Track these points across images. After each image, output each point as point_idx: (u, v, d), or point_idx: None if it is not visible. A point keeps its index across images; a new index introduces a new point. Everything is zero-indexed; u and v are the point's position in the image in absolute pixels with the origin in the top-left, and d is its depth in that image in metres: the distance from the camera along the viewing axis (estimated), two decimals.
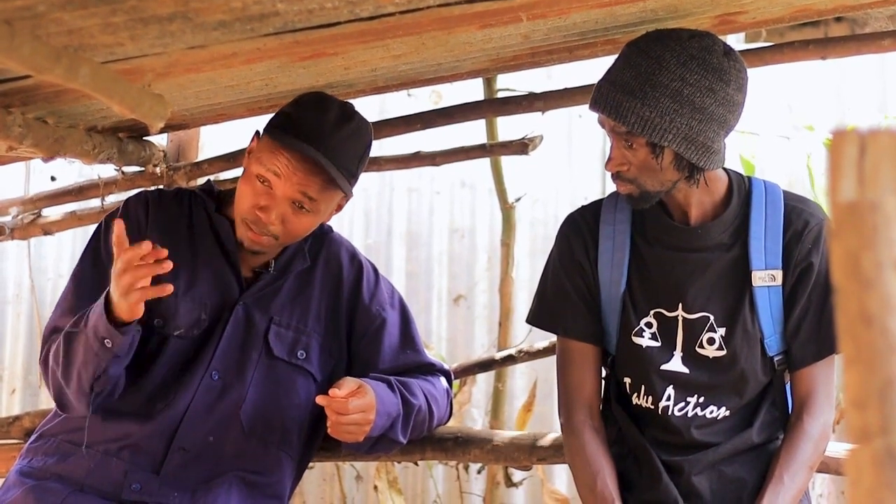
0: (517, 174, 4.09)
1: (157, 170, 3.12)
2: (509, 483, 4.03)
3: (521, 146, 3.18)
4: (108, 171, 3.20)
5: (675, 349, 2.20)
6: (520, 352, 3.38)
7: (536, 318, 2.37)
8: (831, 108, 4.27)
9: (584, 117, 4.43)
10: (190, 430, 2.29)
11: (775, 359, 2.20)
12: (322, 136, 2.22)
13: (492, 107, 3.28)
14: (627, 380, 2.26)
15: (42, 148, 2.31)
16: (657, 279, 2.21)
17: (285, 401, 2.37)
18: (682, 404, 2.19)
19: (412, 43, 2.05)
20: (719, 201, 2.19)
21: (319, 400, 2.16)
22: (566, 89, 3.00)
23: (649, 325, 2.22)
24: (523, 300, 4.34)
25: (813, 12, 2.34)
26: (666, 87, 1.99)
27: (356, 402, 2.16)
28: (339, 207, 2.38)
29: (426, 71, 2.52)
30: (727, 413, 2.20)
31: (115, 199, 3.36)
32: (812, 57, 2.77)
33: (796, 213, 2.19)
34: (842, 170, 0.83)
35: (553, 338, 3.31)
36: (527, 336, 3.92)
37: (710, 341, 2.18)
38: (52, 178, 4.07)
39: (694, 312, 2.19)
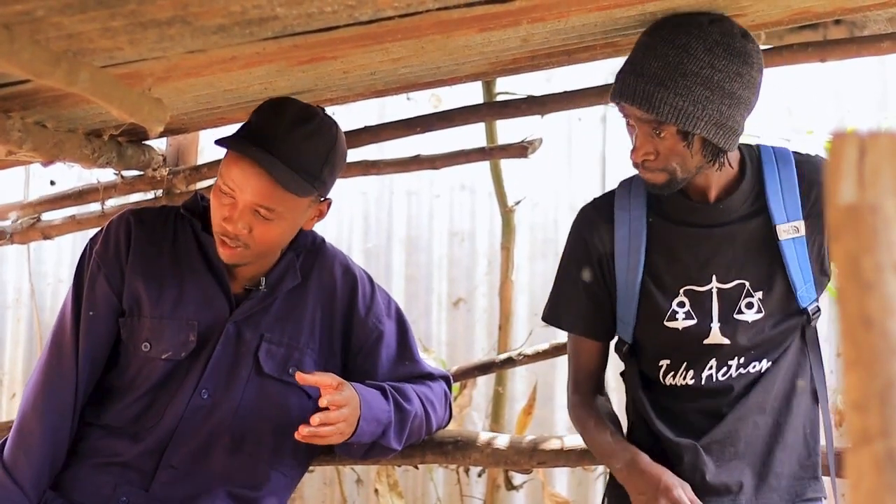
0: (517, 177, 4.09)
1: (157, 174, 3.12)
2: (510, 486, 4.03)
3: (521, 149, 3.19)
4: (107, 175, 3.21)
5: (711, 321, 2.20)
6: (520, 355, 3.38)
7: (547, 315, 2.41)
8: (831, 110, 4.28)
9: (583, 120, 4.43)
10: (179, 448, 2.28)
11: (809, 309, 2.21)
12: (275, 139, 2.16)
13: (491, 110, 3.28)
14: (665, 362, 2.26)
15: (41, 152, 2.31)
16: (685, 257, 2.22)
17: (276, 418, 2.34)
18: (725, 369, 2.21)
19: (411, 46, 2.05)
20: (734, 175, 2.22)
21: (313, 419, 2.14)
22: (565, 92, 3.00)
23: (681, 304, 2.22)
24: (523, 304, 4.35)
25: (812, 15, 2.34)
26: (696, 74, 2.01)
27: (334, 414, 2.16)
28: (321, 213, 2.32)
29: (425, 74, 2.53)
30: (769, 364, 2.22)
31: (115, 203, 3.36)
32: (811, 59, 2.77)
33: (809, 164, 2.23)
34: (841, 172, 0.82)
35: (553, 340, 3.34)
36: (527, 339, 3.92)
37: (749, 306, 2.20)
38: (52, 183, 4.07)
39: (729, 282, 2.20)
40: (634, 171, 2.18)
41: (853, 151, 0.82)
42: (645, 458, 2.19)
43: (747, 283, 2.20)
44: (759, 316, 2.20)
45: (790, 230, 2.19)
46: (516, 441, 2.62)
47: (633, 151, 2.12)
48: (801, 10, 2.26)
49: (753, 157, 2.24)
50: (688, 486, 2.15)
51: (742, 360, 2.21)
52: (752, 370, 2.21)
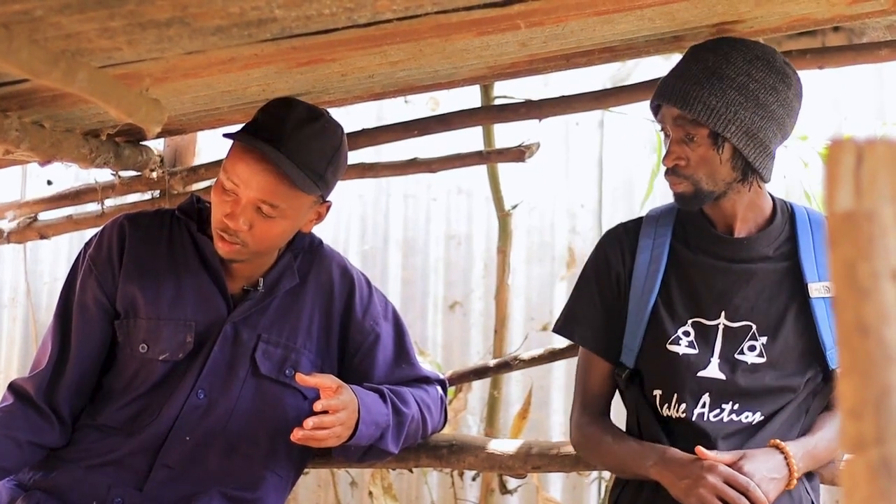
0: (514, 181, 4.09)
1: (154, 174, 3.12)
2: (504, 490, 4.02)
3: (518, 153, 3.19)
4: (105, 175, 3.20)
5: (711, 356, 2.20)
6: (515, 359, 3.37)
7: (561, 326, 2.41)
8: (828, 117, 4.28)
9: (580, 125, 4.43)
10: (174, 448, 2.28)
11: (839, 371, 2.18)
12: (282, 136, 2.16)
13: (489, 114, 3.28)
14: (658, 392, 2.23)
15: (39, 152, 2.31)
16: (699, 287, 2.23)
17: (272, 418, 2.34)
18: (717, 411, 2.18)
19: (409, 50, 2.05)
20: (763, 218, 2.24)
21: (306, 423, 2.14)
22: (563, 97, 3.00)
23: (687, 333, 2.22)
24: (519, 307, 4.34)
25: (810, 22, 2.34)
26: (732, 79, 2.08)
27: (330, 418, 2.15)
28: (319, 215, 2.31)
29: (423, 77, 2.53)
30: (762, 417, 2.19)
31: (112, 203, 3.35)
32: (809, 66, 2.77)
33: None
34: (839, 179, 0.82)
35: (547, 345, 3.34)
36: (522, 343, 3.92)
37: (752, 348, 2.20)
38: (49, 182, 4.07)
39: (737, 321, 2.20)
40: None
41: (850, 158, 0.82)
42: (676, 450, 2.15)
43: (754, 327, 2.20)
44: (761, 361, 2.19)
45: (822, 289, 2.20)
46: (511, 445, 2.62)
47: (665, 157, 2.17)
48: (799, 17, 2.26)
49: (786, 211, 2.27)
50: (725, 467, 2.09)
51: (736, 406, 2.18)
52: (744, 419, 2.18)
